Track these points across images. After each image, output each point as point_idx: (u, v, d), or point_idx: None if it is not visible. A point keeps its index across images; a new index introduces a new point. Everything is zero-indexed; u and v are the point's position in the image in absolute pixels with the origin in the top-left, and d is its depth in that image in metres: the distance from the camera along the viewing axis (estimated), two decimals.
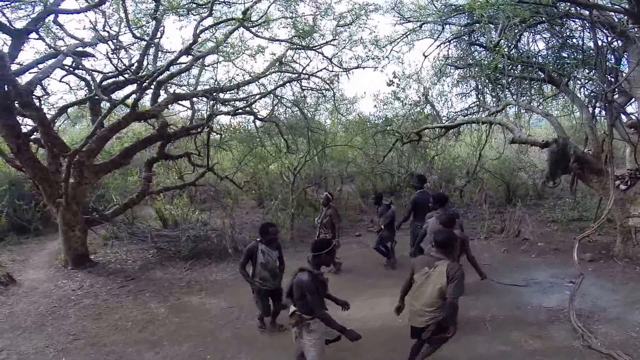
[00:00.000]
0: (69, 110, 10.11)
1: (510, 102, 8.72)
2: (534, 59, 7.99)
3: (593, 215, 8.03)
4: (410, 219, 6.86)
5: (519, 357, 4.20)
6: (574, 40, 7.84)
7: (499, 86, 9.39)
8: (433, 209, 5.65)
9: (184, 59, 8.76)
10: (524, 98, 8.73)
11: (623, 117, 7.29)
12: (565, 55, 8.04)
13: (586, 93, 7.95)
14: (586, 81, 8.04)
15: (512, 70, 8.24)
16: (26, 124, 7.76)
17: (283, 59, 9.93)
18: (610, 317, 4.84)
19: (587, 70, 7.86)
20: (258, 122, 10.59)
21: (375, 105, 12.32)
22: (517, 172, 12.47)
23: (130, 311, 5.74)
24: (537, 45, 8.23)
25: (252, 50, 8.97)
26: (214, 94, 8.61)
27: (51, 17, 7.31)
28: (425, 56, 9.62)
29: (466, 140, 12.19)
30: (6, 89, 6.21)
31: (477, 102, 10.07)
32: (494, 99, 9.60)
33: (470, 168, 11.48)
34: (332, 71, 10.21)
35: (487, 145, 10.37)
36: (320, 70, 10.19)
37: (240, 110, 9.60)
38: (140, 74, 7.93)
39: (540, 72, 7.85)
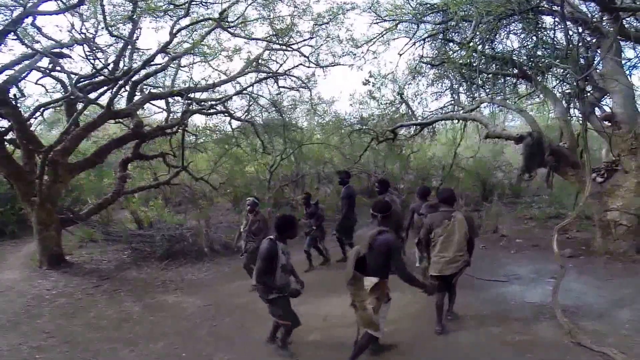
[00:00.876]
0: (46, 114, 10.08)
1: (485, 99, 8.85)
2: (508, 56, 7.95)
3: (570, 212, 7.87)
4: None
5: (506, 354, 4.09)
6: (547, 37, 7.80)
7: (474, 85, 9.61)
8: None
9: (160, 59, 8.85)
10: (499, 97, 8.87)
11: (598, 111, 7.31)
12: (540, 53, 7.99)
13: (561, 90, 8.05)
14: (561, 77, 8.07)
15: (486, 67, 8.33)
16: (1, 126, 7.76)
17: (260, 59, 10.10)
18: (597, 313, 4.76)
19: (561, 69, 7.70)
20: (234, 123, 10.72)
21: (351, 105, 12.50)
22: (493, 171, 12.81)
23: (105, 310, 5.84)
24: (511, 44, 8.34)
25: (229, 52, 9.14)
26: (190, 93, 8.69)
27: (29, 19, 7.31)
28: (400, 54, 9.84)
29: (441, 140, 12.57)
30: None
31: (452, 101, 10.25)
32: (468, 98, 9.82)
33: (446, 166, 11.79)
34: (309, 66, 10.42)
35: (462, 143, 10.67)
36: (297, 66, 10.41)
37: (215, 109, 9.70)
38: (116, 74, 7.98)
39: (514, 69, 7.92)
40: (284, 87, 10.86)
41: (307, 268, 7.04)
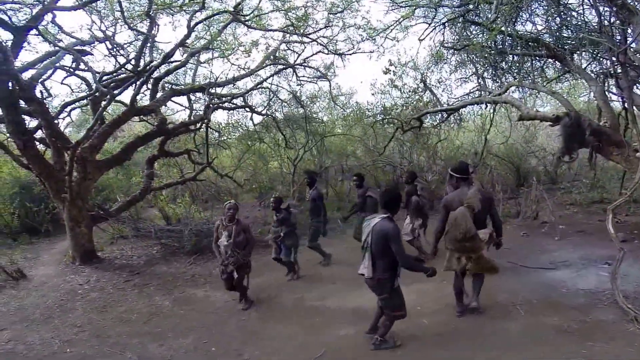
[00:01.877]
0: (74, 116, 10.35)
1: (514, 83, 8.34)
2: (536, 35, 7.57)
3: (616, 196, 7.22)
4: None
5: (564, 342, 3.75)
6: (572, 17, 7.33)
7: (499, 70, 9.22)
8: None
9: (179, 56, 8.89)
10: (528, 80, 8.35)
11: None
12: (566, 35, 7.62)
13: (594, 70, 7.54)
14: (594, 55, 7.51)
15: (512, 49, 7.92)
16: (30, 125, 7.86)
17: (277, 52, 9.92)
18: None
19: (592, 47, 7.24)
20: (255, 119, 10.60)
21: (372, 94, 12.04)
22: (526, 156, 12.14)
23: (135, 304, 5.80)
24: (534, 26, 7.84)
25: (246, 46, 9.06)
26: (211, 88, 8.60)
27: (49, 16, 7.38)
28: (421, 40, 9.43)
29: (469, 127, 12.02)
30: (10, 85, 6.32)
31: (478, 87, 9.83)
32: (495, 83, 9.37)
33: (473, 155, 11.26)
34: (328, 53, 10.11)
35: (492, 129, 10.14)
36: (316, 53, 10.16)
37: (236, 104, 9.59)
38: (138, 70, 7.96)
39: (543, 50, 7.50)
40: (303, 77, 10.64)
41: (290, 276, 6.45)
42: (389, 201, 3.82)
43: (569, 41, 7.49)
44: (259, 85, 9.96)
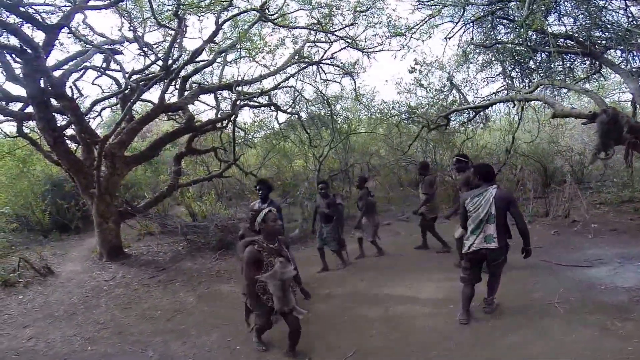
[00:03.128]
0: (105, 116, 10.28)
1: (543, 82, 7.88)
2: (571, 32, 7.21)
3: None
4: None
5: (608, 341, 3.41)
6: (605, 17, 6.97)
7: (528, 69, 8.65)
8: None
9: (206, 56, 8.67)
10: (558, 78, 7.87)
11: None
12: (598, 35, 7.22)
13: (629, 68, 7.02)
14: (630, 51, 6.95)
15: (544, 46, 7.50)
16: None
17: (302, 51, 9.60)
18: None
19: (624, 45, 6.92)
20: (280, 118, 10.29)
21: (398, 92, 11.53)
22: (553, 156, 11.42)
23: (160, 301, 5.46)
24: (565, 26, 7.41)
25: (271, 46, 8.86)
26: (238, 86, 8.34)
27: (81, 17, 7.38)
28: (449, 38, 8.97)
29: (494, 126, 11.43)
30: (42, 83, 6.19)
31: (505, 86, 9.31)
32: (523, 83, 8.85)
33: (502, 153, 10.62)
34: (355, 48, 9.68)
35: (519, 128, 9.54)
36: (343, 49, 9.74)
37: (260, 102, 9.29)
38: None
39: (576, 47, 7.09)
40: (329, 73, 10.22)
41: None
42: (487, 173, 3.89)
43: (600, 40, 7.17)
44: (285, 81, 9.63)
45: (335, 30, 9.21)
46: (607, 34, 7.04)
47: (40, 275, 6.40)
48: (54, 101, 6.82)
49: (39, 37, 6.36)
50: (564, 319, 3.85)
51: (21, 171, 9.34)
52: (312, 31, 9.33)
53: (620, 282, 4.54)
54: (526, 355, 3.36)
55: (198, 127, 8.34)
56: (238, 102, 8.45)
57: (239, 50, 8.91)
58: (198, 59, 8.30)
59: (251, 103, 9.49)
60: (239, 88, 8.41)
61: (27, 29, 6.20)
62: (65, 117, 7.68)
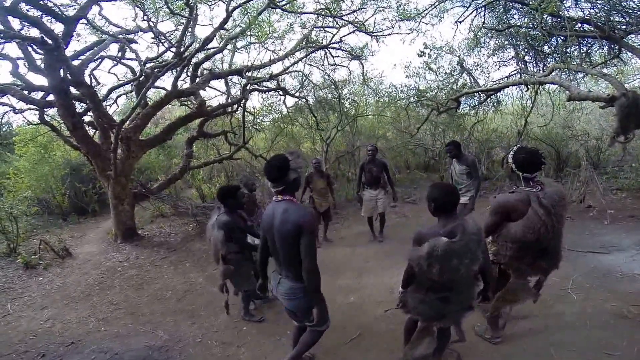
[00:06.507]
0: (120, 103, 10.32)
1: (559, 65, 7.42)
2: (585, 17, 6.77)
3: None
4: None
5: (624, 327, 3.29)
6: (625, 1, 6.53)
7: (542, 53, 8.21)
8: None
9: (217, 44, 8.55)
10: (574, 62, 7.40)
11: None
12: (618, 20, 6.73)
13: None
14: None
15: (560, 30, 7.05)
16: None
17: (310, 36, 9.32)
18: None
19: None
20: (288, 102, 10.10)
21: (407, 76, 11.12)
22: (567, 140, 10.92)
23: (171, 281, 5.47)
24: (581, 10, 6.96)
25: (280, 32, 8.64)
26: (248, 71, 8.20)
27: (96, 8, 7.39)
28: (459, 23, 8.56)
29: (506, 110, 11.00)
30: (62, 73, 6.23)
31: (518, 70, 8.86)
32: (536, 68, 8.40)
33: (514, 137, 10.24)
34: (364, 32, 9.31)
35: (532, 112, 9.12)
36: (352, 32, 9.38)
37: (268, 86, 9.12)
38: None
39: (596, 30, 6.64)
40: (337, 57, 9.91)
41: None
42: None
43: (619, 25, 6.67)
44: (293, 65, 9.41)
45: (344, 15, 8.86)
46: (627, 18, 6.57)
47: (59, 257, 6.51)
48: (73, 89, 6.88)
49: (57, 29, 6.35)
50: (579, 305, 3.72)
51: (42, 157, 9.45)
52: (320, 16, 9.00)
53: (637, 269, 4.35)
54: (539, 341, 3.25)
55: (209, 112, 8.27)
56: (248, 87, 8.32)
57: (248, 36, 8.73)
58: (209, 46, 8.17)
59: (260, 87, 9.31)
60: (249, 73, 8.29)
61: (46, 21, 6.17)
62: (84, 104, 7.75)
